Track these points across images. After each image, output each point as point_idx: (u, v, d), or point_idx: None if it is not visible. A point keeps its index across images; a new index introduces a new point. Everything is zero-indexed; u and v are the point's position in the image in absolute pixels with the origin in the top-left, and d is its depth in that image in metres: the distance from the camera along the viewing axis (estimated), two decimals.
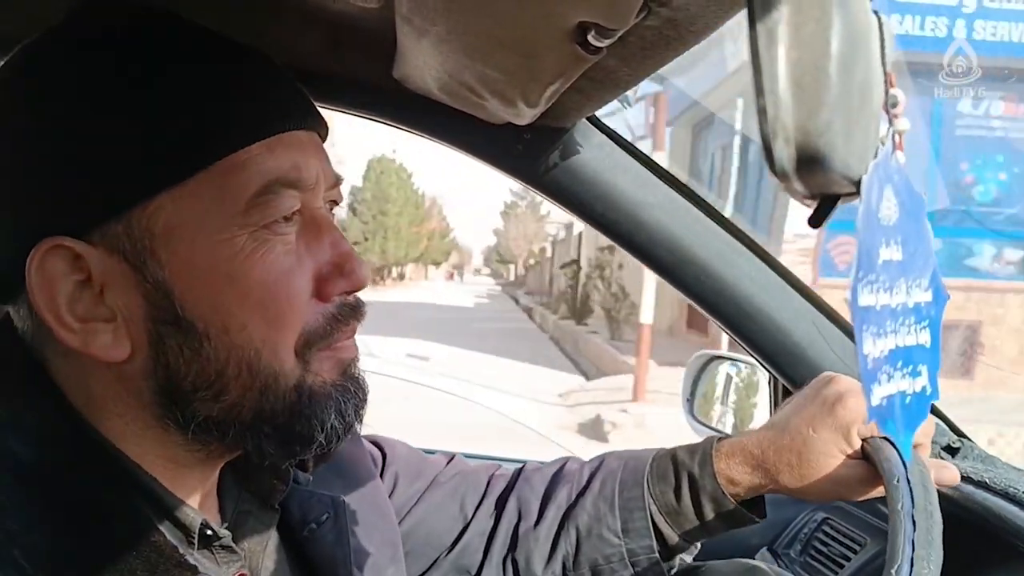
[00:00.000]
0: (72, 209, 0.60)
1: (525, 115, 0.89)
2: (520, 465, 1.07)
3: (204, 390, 0.63)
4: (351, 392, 0.68)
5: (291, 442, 0.66)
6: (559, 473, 1.04)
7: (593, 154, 1.09)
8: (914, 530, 0.73)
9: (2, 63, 0.64)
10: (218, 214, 0.61)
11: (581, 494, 1.00)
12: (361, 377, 0.71)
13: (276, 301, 0.63)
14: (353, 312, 0.68)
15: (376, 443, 1.03)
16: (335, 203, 0.72)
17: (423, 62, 0.85)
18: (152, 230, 0.61)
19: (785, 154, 0.32)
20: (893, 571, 0.70)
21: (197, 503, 0.70)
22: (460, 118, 0.97)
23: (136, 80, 0.61)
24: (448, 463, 1.07)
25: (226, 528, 0.71)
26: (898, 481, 0.78)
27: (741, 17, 0.66)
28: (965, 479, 0.98)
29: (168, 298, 0.61)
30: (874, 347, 0.42)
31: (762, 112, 0.31)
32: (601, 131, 1.09)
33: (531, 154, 1.08)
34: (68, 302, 0.61)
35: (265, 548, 0.74)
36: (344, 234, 0.70)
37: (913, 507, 0.75)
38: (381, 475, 1.00)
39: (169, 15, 0.65)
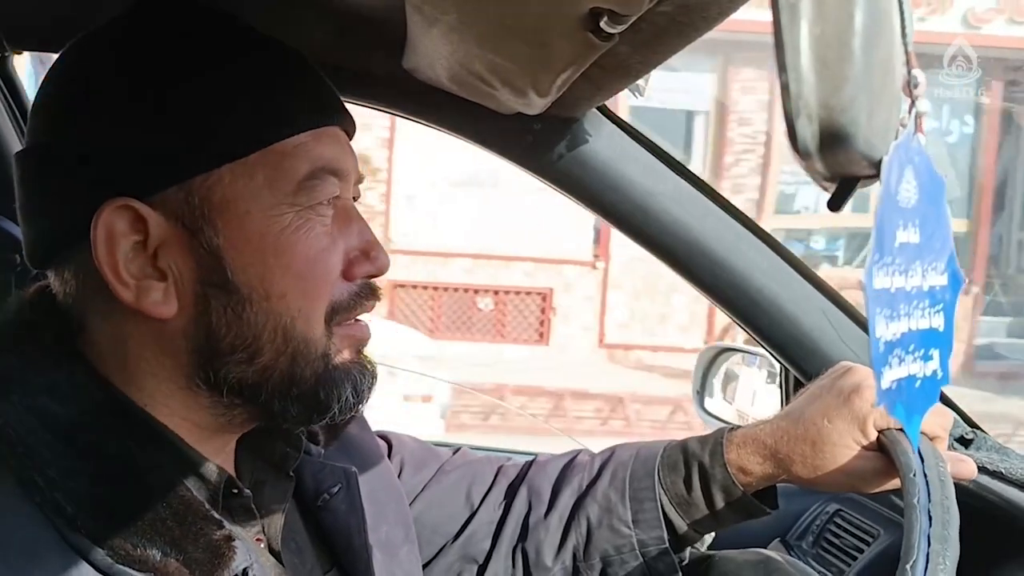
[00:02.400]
0: (140, 174, 0.66)
1: (536, 104, 0.88)
2: (531, 457, 1.07)
3: (241, 351, 0.68)
4: (366, 371, 0.74)
5: (312, 408, 0.71)
6: (570, 464, 1.03)
7: (603, 144, 1.09)
8: (930, 525, 0.72)
9: (89, 35, 0.70)
10: (271, 191, 0.67)
11: (592, 484, 1.00)
12: (373, 361, 0.76)
13: (314, 274, 0.69)
14: (372, 292, 0.74)
15: (383, 435, 1.04)
16: (357, 198, 0.78)
17: (433, 52, 0.85)
18: (210, 199, 0.66)
19: (808, 132, 0.31)
20: (908, 567, 0.69)
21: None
22: (470, 108, 0.97)
23: (213, 63, 0.67)
24: (454, 453, 1.08)
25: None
26: (914, 475, 0.76)
27: (752, 4, 0.66)
28: (981, 469, 0.98)
29: (220, 263, 0.67)
30: (887, 330, 0.42)
31: (785, 89, 0.31)
32: (611, 120, 1.09)
33: (541, 144, 1.08)
34: (125, 259, 0.66)
35: (282, 516, 0.77)
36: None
37: (930, 501, 0.74)
38: None
39: (219, 10, 0.71)
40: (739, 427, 0.98)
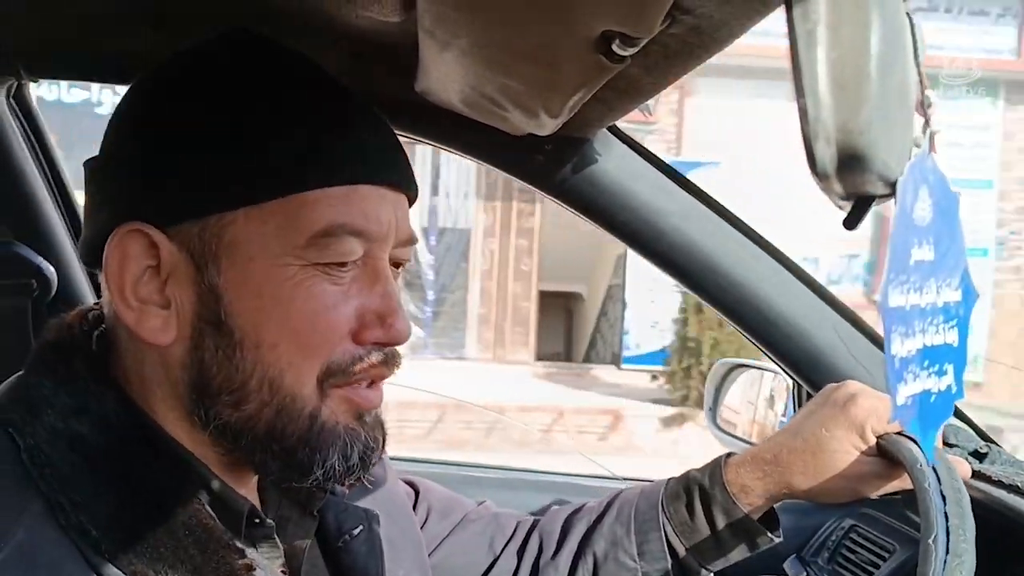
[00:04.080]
0: (161, 203, 0.67)
1: (547, 126, 0.89)
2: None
3: (227, 394, 0.67)
4: (360, 438, 0.70)
5: (292, 467, 0.68)
6: (580, 508, 1.07)
7: (613, 163, 1.09)
8: (944, 504, 0.75)
9: (157, 68, 0.72)
10: (280, 241, 0.66)
11: (598, 521, 1.02)
12: (377, 426, 0.73)
13: (312, 331, 0.67)
14: (383, 361, 0.71)
15: (410, 482, 1.07)
16: (401, 264, 0.74)
17: (445, 75, 0.86)
18: (221, 237, 0.66)
19: (827, 154, 0.32)
20: (931, 541, 0.72)
21: None
22: (481, 129, 0.97)
23: (247, 109, 0.67)
24: (479, 505, 1.11)
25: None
26: (921, 465, 0.80)
27: (765, 22, 0.66)
28: (996, 483, 0.98)
29: (217, 302, 0.66)
30: (902, 347, 0.42)
31: (803, 112, 0.32)
32: (622, 140, 1.10)
33: (551, 164, 1.09)
34: (134, 282, 0.67)
35: (304, 554, 0.77)
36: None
37: (940, 483, 0.77)
38: (413, 509, 1.03)
39: (285, 50, 0.71)
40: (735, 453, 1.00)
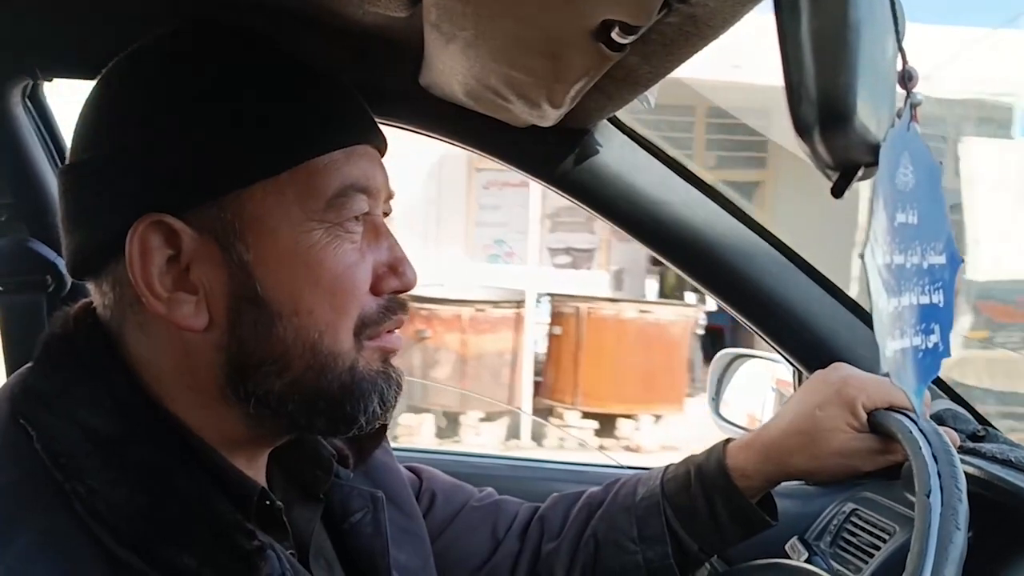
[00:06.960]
0: (175, 191, 0.67)
1: (549, 116, 0.91)
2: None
3: (269, 364, 0.69)
4: (392, 380, 0.75)
5: (339, 420, 0.72)
6: (582, 494, 1.08)
7: (615, 154, 1.12)
8: (937, 463, 0.79)
9: (128, 58, 0.72)
10: (301, 208, 0.69)
11: (600, 505, 1.04)
12: (399, 370, 0.76)
13: (342, 290, 0.70)
14: (401, 307, 0.75)
15: (413, 469, 1.08)
16: (387, 214, 0.78)
17: (450, 68, 0.88)
18: (243, 216, 0.68)
19: (810, 113, 0.35)
20: (927, 496, 0.75)
21: None
22: (483, 122, 1.00)
23: (246, 84, 0.69)
24: (482, 492, 1.12)
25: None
26: (911, 432, 0.85)
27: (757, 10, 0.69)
28: (991, 459, 1.00)
29: (250, 277, 0.68)
30: (887, 303, 0.45)
31: (788, 77, 0.34)
32: (622, 131, 1.12)
33: (553, 156, 1.11)
34: (159, 273, 0.67)
35: (311, 536, 0.79)
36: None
37: (931, 446, 0.81)
38: (418, 497, 1.04)
39: (252, 32, 0.73)
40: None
